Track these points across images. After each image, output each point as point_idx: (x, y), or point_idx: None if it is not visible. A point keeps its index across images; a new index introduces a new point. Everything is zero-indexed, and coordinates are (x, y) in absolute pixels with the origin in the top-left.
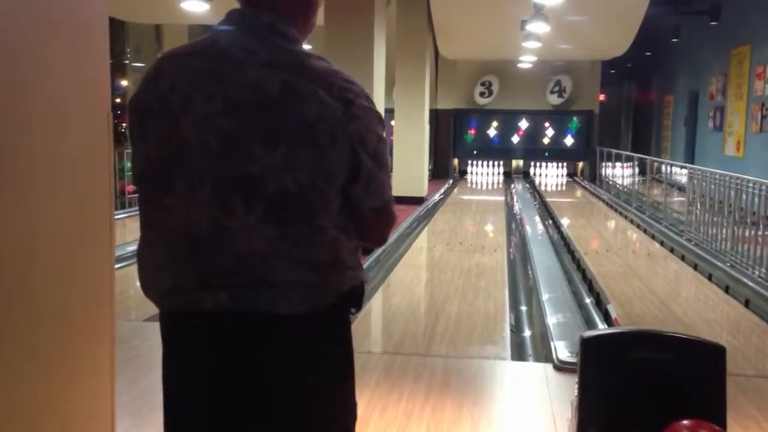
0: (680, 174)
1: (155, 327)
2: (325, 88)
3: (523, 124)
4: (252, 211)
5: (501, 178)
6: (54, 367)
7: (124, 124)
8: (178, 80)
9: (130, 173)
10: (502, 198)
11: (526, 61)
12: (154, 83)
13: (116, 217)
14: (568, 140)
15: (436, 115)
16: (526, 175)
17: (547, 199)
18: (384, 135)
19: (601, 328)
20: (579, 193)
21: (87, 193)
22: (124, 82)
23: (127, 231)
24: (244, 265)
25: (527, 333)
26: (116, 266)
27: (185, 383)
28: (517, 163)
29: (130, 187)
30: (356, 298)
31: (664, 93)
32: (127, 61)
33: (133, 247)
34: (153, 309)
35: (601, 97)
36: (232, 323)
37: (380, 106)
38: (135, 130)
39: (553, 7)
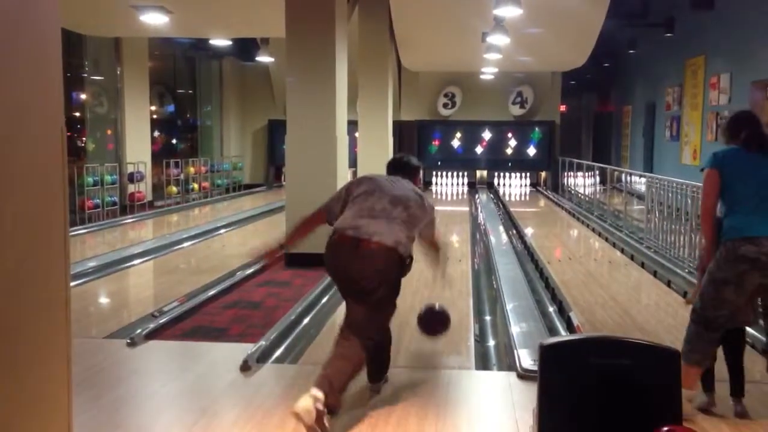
0: (639, 183)
1: (116, 344)
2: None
3: (486, 135)
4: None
5: (465, 188)
6: (6, 386)
7: (84, 138)
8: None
9: (93, 188)
10: (467, 208)
11: (488, 73)
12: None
13: (76, 232)
14: (531, 150)
15: (399, 127)
16: (490, 186)
17: (511, 209)
18: (433, 208)
19: (561, 335)
20: (542, 202)
21: (39, 209)
22: (83, 96)
23: (87, 247)
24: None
25: (491, 342)
26: (75, 283)
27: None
28: (481, 173)
29: (90, 202)
30: (410, 256)
31: (623, 103)
32: (86, 75)
33: (94, 263)
34: (113, 326)
35: (563, 107)
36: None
37: (343, 118)
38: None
39: (512, 19)
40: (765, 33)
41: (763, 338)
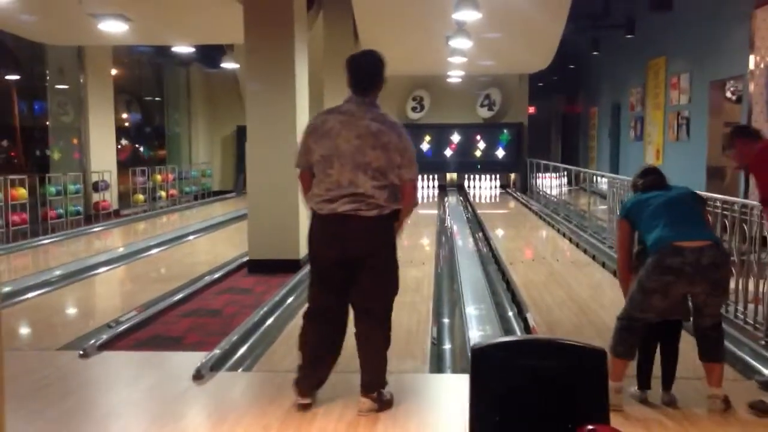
0: (604, 183)
1: (68, 356)
2: (392, 129)
3: (455, 138)
4: (366, 175)
5: (435, 191)
6: None
7: (47, 151)
8: (333, 123)
9: (56, 198)
10: (436, 211)
11: (455, 76)
12: (321, 122)
13: (39, 243)
14: (500, 152)
15: None
16: (460, 188)
17: (479, 211)
18: (408, 140)
19: (494, 337)
20: (511, 204)
21: None
22: (46, 105)
23: (49, 257)
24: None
25: (448, 346)
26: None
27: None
28: (451, 176)
29: (53, 212)
30: (395, 215)
31: (589, 105)
32: (48, 84)
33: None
34: (68, 337)
35: (531, 109)
36: (346, 217)
37: (303, 124)
38: (311, 142)
39: (474, 24)
40: (723, 33)
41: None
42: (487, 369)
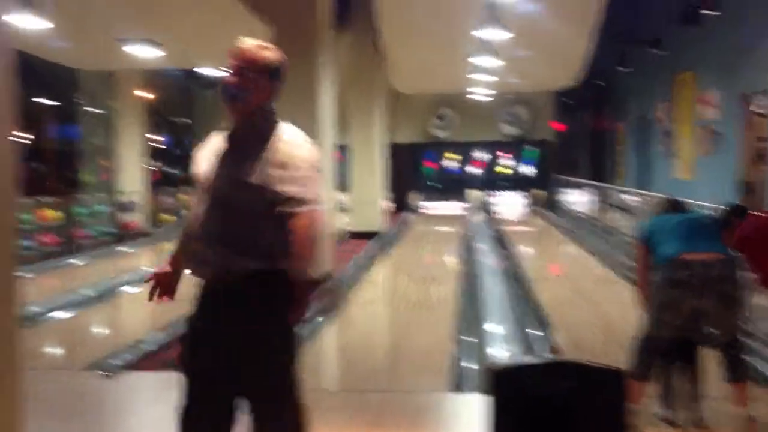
0: (632, 199)
1: (93, 376)
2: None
3: (480, 155)
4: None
5: (459, 208)
6: None
7: (78, 170)
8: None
9: (89, 218)
10: (459, 229)
11: (480, 94)
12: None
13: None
14: (526, 169)
15: (393, 149)
16: (484, 205)
17: (504, 228)
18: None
19: (513, 359)
20: (536, 221)
21: None
22: (78, 127)
23: (76, 277)
24: None
25: (470, 364)
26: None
27: None
28: (475, 193)
29: (83, 233)
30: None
31: (616, 120)
32: (80, 107)
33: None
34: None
35: (558, 126)
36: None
37: (328, 141)
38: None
39: (498, 41)
40: (750, 47)
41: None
42: (507, 390)
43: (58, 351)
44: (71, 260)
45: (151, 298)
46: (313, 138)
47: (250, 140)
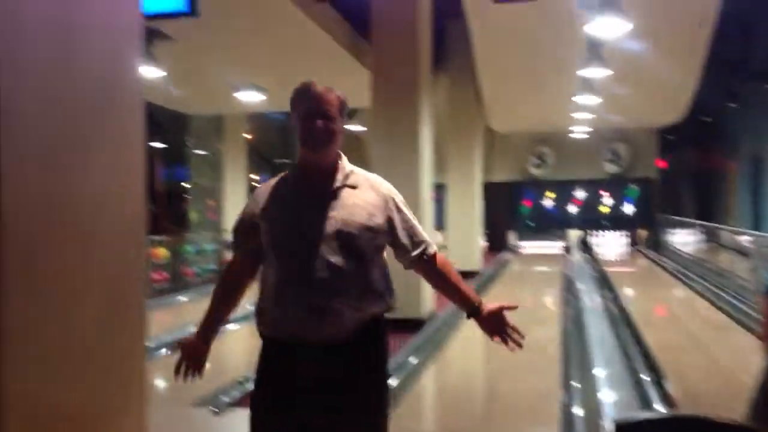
0: (745, 241)
1: (202, 412)
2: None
3: (580, 194)
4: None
5: (558, 248)
6: None
7: (186, 210)
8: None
9: (195, 256)
10: (559, 269)
11: (579, 132)
12: None
13: (174, 300)
14: (627, 208)
15: (490, 188)
16: (584, 245)
17: (606, 269)
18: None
19: (638, 412)
20: (640, 261)
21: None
22: (186, 168)
23: (186, 313)
24: None
25: (579, 411)
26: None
27: None
28: (575, 232)
29: (190, 271)
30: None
31: (726, 158)
32: (189, 149)
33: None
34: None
35: (661, 163)
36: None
37: (426, 183)
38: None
39: (601, 80)
40: None
41: None
42: None
43: (166, 386)
44: (179, 297)
45: (177, 372)
46: (413, 178)
47: (330, 181)
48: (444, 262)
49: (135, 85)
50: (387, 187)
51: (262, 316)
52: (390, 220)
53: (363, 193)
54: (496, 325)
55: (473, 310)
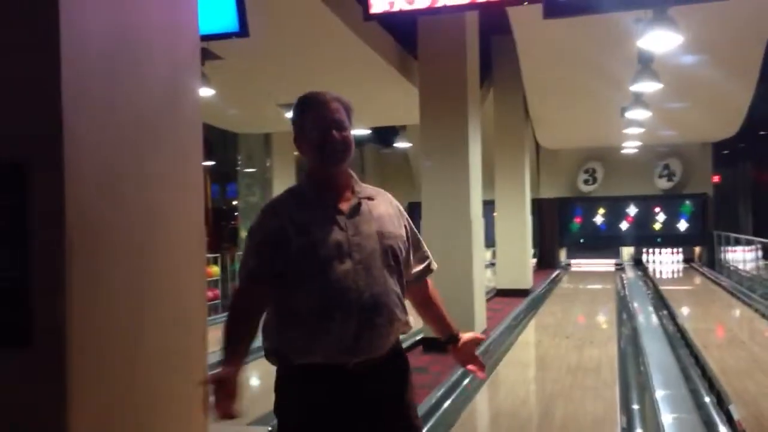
0: None
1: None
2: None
3: (632, 210)
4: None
5: (610, 266)
6: None
7: (236, 227)
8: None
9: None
10: (612, 287)
11: (630, 147)
12: None
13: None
14: (682, 225)
15: (539, 205)
16: (637, 263)
17: (661, 287)
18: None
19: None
20: (696, 280)
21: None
22: (236, 186)
23: None
24: None
25: None
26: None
27: None
28: (628, 250)
29: None
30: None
31: None
32: (239, 168)
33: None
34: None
35: (716, 178)
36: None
37: (477, 199)
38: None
39: (652, 94)
40: None
41: None
42: None
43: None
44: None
45: (208, 410)
46: (463, 195)
47: (349, 193)
48: (430, 283)
49: (195, 105)
50: (392, 197)
51: (292, 344)
52: (406, 231)
53: (382, 204)
54: (467, 354)
55: (451, 338)
